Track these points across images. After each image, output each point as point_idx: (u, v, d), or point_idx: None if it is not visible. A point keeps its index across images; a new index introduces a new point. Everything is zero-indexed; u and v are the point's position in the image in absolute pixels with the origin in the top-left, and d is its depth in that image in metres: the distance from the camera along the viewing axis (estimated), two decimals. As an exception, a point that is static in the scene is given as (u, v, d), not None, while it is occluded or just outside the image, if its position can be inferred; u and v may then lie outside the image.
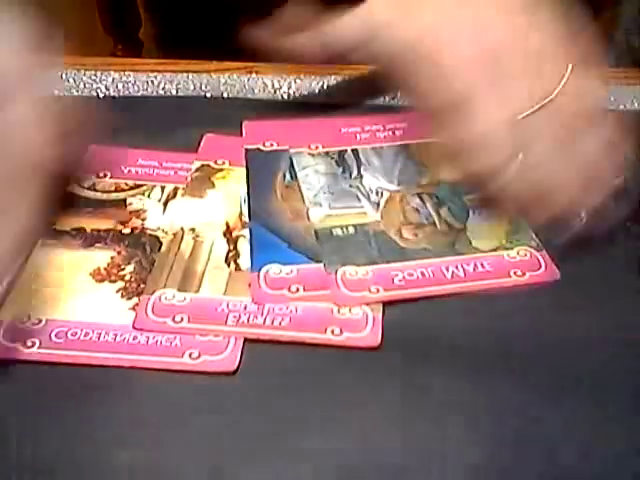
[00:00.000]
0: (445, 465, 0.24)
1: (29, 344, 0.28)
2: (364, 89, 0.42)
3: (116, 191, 0.36)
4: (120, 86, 0.44)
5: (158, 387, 0.27)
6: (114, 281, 0.30)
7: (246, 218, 0.34)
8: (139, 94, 0.43)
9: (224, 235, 0.33)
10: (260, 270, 0.31)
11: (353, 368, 0.28)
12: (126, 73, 0.45)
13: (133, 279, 0.30)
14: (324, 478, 0.24)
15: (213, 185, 0.36)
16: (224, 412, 0.26)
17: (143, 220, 0.34)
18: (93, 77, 0.45)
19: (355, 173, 0.36)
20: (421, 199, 0.35)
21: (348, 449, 0.25)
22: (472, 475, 0.24)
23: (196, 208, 0.34)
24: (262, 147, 0.38)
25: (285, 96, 0.43)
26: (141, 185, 0.36)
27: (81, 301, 0.30)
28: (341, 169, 0.37)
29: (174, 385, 0.27)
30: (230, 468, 0.24)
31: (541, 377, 0.27)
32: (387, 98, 0.43)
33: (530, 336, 0.29)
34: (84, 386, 0.27)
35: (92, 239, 0.32)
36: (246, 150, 0.38)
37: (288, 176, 0.36)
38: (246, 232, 0.33)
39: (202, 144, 0.39)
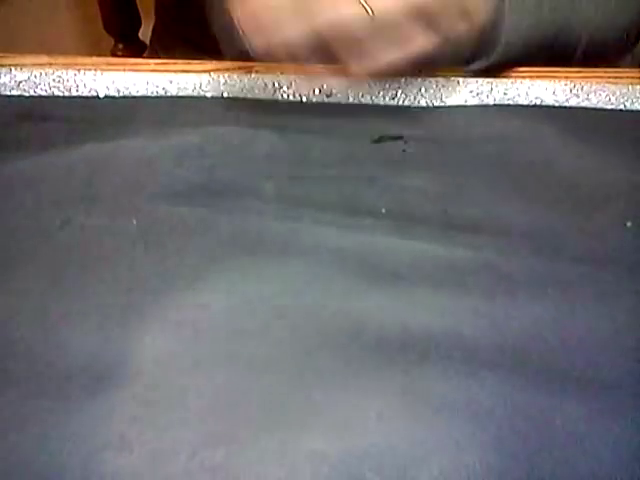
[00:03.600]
0: (446, 466, 0.24)
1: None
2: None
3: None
4: (120, 86, 0.44)
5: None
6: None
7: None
8: (139, 94, 0.43)
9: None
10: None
11: (352, 367, 0.28)
12: (126, 73, 0.45)
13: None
14: (323, 479, 0.24)
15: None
16: (224, 408, 0.26)
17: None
18: (93, 77, 0.45)
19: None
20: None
21: (347, 449, 0.25)
22: (473, 476, 0.24)
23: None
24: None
25: (285, 96, 0.43)
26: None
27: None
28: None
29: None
30: (229, 468, 0.24)
31: (544, 378, 0.27)
32: (386, 98, 0.43)
33: (532, 336, 0.29)
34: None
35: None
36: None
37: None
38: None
39: None
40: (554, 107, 0.42)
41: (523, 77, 0.45)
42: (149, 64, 0.47)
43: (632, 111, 0.42)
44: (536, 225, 0.34)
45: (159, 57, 0.60)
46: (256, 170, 0.37)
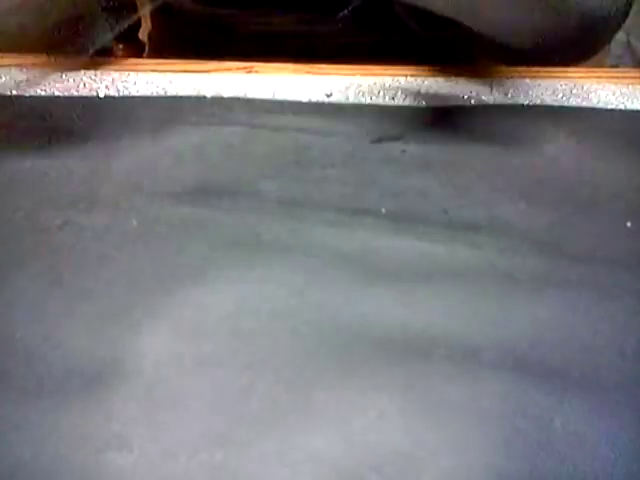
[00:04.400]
0: (446, 466, 0.24)
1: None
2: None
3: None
4: (120, 86, 0.44)
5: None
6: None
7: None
8: (139, 94, 0.43)
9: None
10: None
11: (352, 367, 0.28)
12: (126, 73, 0.45)
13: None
14: (323, 479, 0.24)
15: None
16: (224, 409, 0.26)
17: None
18: (93, 77, 0.45)
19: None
20: None
21: (347, 449, 0.25)
22: (474, 476, 0.24)
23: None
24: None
25: (285, 96, 0.43)
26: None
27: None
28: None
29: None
30: (229, 468, 0.24)
31: (544, 378, 0.27)
32: (386, 98, 0.43)
33: (532, 336, 0.29)
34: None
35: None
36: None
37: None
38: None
39: None
40: (554, 107, 0.42)
41: (523, 77, 0.45)
42: (149, 64, 0.47)
43: (632, 111, 0.42)
44: (536, 225, 0.34)
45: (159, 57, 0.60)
46: (256, 170, 0.37)
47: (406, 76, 0.45)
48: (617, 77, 0.45)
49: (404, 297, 0.30)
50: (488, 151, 0.39)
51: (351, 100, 0.43)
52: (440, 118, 0.41)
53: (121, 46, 0.78)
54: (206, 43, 0.52)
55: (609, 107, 0.42)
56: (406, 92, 0.44)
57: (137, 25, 0.78)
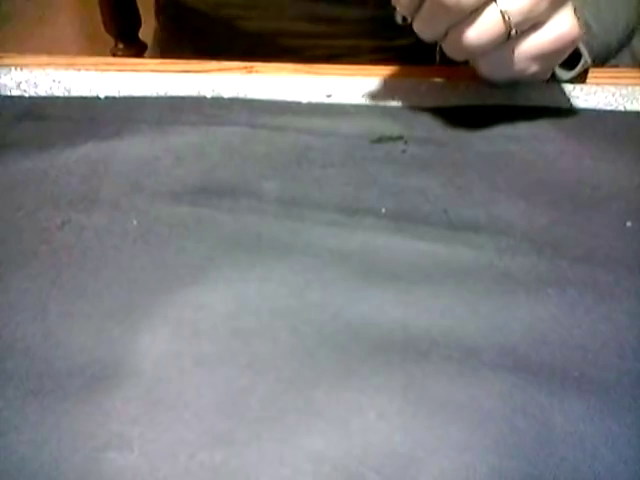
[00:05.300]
0: (446, 466, 0.24)
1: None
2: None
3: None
4: (120, 86, 0.44)
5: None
6: None
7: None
8: (139, 94, 0.43)
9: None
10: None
11: (352, 367, 0.28)
12: (126, 73, 0.45)
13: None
14: (323, 479, 0.24)
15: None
16: (224, 408, 0.26)
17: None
18: (93, 77, 0.45)
19: None
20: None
21: (347, 449, 0.25)
22: (473, 476, 0.24)
23: None
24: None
25: (285, 96, 0.43)
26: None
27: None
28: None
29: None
30: (229, 468, 0.24)
31: (544, 378, 0.27)
32: (386, 98, 0.43)
33: (532, 336, 0.29)
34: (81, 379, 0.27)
35: None
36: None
37: None
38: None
39: None
40: (554, 107, 0.42)
41: (523, 77, 0.44)
42: (149, 64, 0.47)
43: (632, 112, 0.42)
44: (536, 225, 0.34)
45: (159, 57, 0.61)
46: (256, 170, 0.37)
47: (406, 76, 0.45)
48: (617, 77, 0.45)
49: (404, 297, 0.30)
50: (488, 151, 0.39)
51: (351, 100, 0.43)
52: (440, 118, 0.41)
53: (121, 46, 0.78)
54: (208, 38, 0.52)
55: (609, 108, 0.42)
56: (406, 92, 0.44)
57: (137, 25, 0.78)
